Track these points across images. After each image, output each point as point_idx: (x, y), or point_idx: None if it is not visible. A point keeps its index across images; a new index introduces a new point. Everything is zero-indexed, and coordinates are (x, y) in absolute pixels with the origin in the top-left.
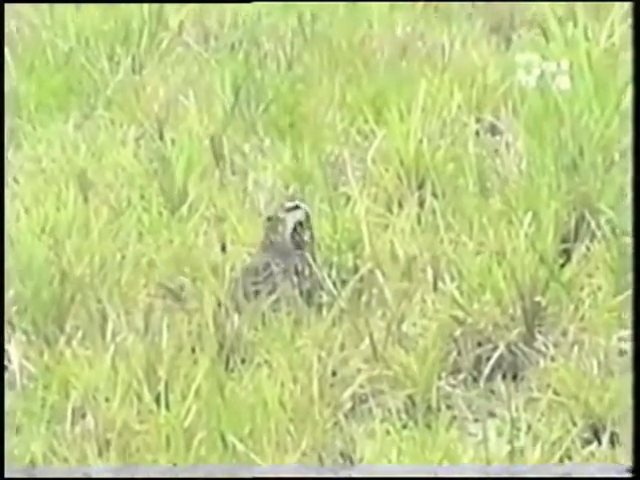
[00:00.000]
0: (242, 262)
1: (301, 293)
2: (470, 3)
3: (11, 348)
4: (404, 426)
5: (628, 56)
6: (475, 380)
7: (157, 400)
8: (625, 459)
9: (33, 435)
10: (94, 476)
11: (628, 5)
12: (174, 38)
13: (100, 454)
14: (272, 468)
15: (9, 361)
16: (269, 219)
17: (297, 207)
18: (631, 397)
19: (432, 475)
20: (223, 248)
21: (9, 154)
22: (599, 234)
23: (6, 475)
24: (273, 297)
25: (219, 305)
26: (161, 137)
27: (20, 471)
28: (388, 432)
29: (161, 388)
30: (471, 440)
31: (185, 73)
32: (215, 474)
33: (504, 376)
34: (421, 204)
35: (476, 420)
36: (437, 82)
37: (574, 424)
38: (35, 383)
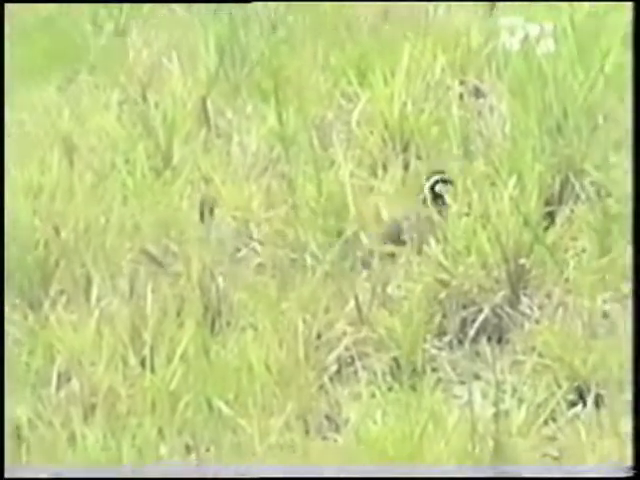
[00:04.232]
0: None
1: None
2: None
3: None
4: (389, 388)
5: (612, 20)
6: (460, 342)
7: (142, 364)
8: (609, 421)
9: (18, 399)
10: (98, 476)
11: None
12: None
13: (85, 418)
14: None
15: None
16: None
17: None
18: (631, 396)
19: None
20: (210, 211)
21: None
22: (583, 196)
23: (6, 475)
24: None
25: (204, 268)
26: (145, 100)
27: (20, 471)
28: (373, 395)
29: (146, 352)
30: (456, 402)
31: (169, 36)
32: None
33: (489, 338)
34: (405, 167)
35: (461, 382)
36: (421, 45)
37: (559, 386)
38: (20, 347)
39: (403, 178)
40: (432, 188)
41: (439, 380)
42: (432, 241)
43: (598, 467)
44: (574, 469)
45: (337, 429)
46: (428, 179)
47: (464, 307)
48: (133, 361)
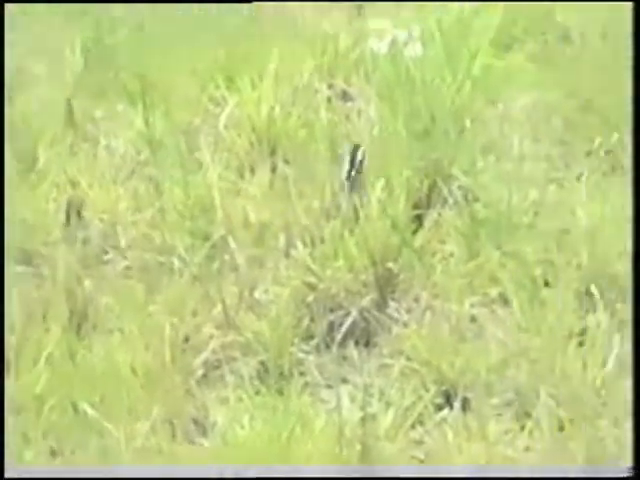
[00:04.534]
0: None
1: None
2: None
3: None
4: (257, 392)
5: (480, 22)
6: (328, 346)
7: (7, 367)
8: (476, 424)
9: None
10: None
11: None
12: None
13: None
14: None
15: None
16: None
17: None
18: (631, 397)
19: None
20: (77, 214)
21: None
22: (451, 200)
23: (6, 475)
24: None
25: (70, 271)
26: (11, 104)
27: (20, 471)
28: (240, 398)
29: (12, 355)
30: (323, 406)
31: (33, 38)
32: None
33: (357, 342)
34: (273, 170)
35: (329, 386)
36: (289, 49)
37: (426, 390)
38: None
39: (271, 181)
40: None
41: (306, 384)
42: (300, 244)
43: (598, 467)
44: (574, 469)
45: (204, 433)
46: None
47: (332, 311)
48: None
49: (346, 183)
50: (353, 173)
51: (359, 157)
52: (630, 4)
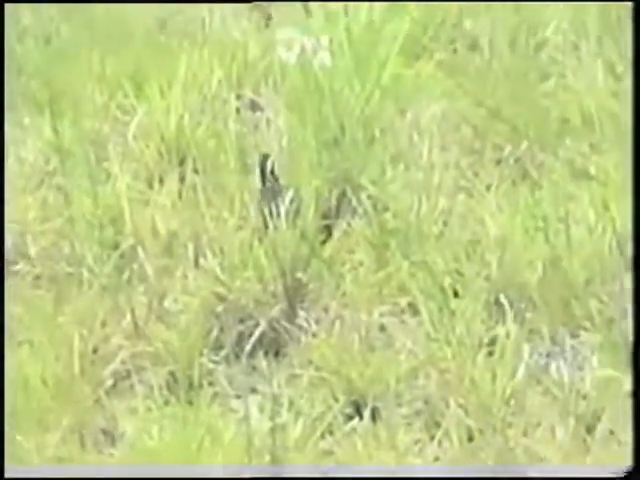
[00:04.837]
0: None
1: None
2: None
3: None
4: (166, 402)
5: (389, 30)
6: (237, 356)
7: None
8: (386, 434)
9: None
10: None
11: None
12: None
13: None
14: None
15: None
16: None
17: None
18: (631, 398)
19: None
20: None
21: None
22: (360, 210)
23: (6, 475)
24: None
25: None
26: None
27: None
28: (150, 409)
29: None
30: (233, 416)
31: None
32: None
33: (266, 352)
34: (182, 180)
35: (238, 396)
36: (197, 57)
37: (336, 400)
38: None
39: (180, 191)
40: None
41: (216, 394)
42: (209, 254)
43: (598, 467)
44: (574, 469)
45: (113, 443)
46: None
47: (241, 321)
48: None
49: (257, 192)
50: (267, 183)
51: (269, 167)
52: (630, 4)
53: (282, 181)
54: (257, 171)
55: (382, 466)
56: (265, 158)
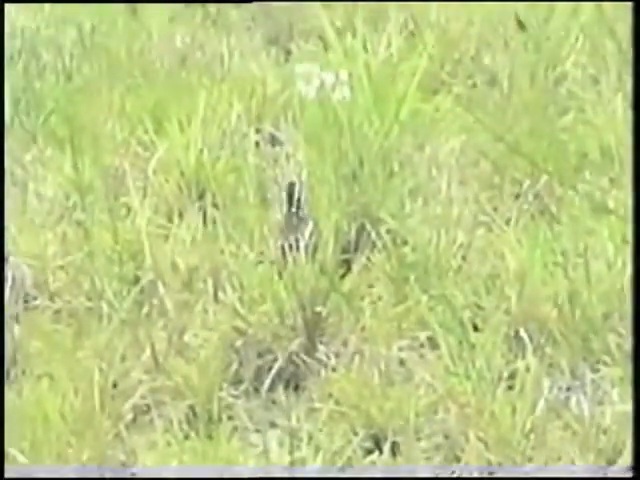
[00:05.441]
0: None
1: None
2: (250, 14)
3: None
4: (186, 437)
5: (407, 65)
6: (256, 390)
7: None
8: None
9: None
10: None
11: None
12: None
13: None
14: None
15: None
16: None
17: None
18: (631, 397)
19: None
20: (6, 259)
21: None
22: (379, 244)
23: (6, 475)
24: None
25: None
26: None
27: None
28: (169, 443)
29: None
30: (252, 451)
31: None
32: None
33: (286, 386)
34: (202, 215)
35: (257, 430)
36: (217, 93)
37: (355, 434)
38: None
39: (199, 225)
40: None
41: (235, 428)
42: (228, 289)
43: (598, 467)
44: (574, 469)
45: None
46: None
47: (260, 355)
48: None
49: (276, 226)
50: (293, 210)
51: (296, 194)
52: (630, 4)
53: (302, 213)
54: (283, 196)
55: None
56: (292, 186)
